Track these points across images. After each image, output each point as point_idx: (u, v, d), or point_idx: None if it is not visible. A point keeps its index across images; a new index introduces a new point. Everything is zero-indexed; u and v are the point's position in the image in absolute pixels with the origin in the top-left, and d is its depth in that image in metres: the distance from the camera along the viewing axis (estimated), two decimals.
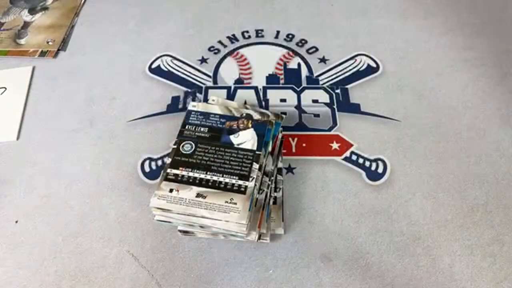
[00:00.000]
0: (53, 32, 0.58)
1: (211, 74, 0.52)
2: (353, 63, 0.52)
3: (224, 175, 0.35)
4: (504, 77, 0.50)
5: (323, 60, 0.53)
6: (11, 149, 0.46)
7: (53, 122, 0.48)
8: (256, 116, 0.39)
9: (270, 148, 0.38)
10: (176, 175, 0.35)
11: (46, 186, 0.43)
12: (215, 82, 0.51)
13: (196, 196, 0.34)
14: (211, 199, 0.34)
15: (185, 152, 0.37)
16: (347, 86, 0.50)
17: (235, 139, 0.38)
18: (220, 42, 0.55)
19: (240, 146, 0.37)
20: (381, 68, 0.51)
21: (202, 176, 0.35)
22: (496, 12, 0.58)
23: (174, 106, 0.49)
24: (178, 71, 0.52)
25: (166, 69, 0.53)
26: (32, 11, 0.61)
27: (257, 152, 0.37)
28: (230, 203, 0.34)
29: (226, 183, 0.35)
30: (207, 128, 0.39)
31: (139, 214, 0.40)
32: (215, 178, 0.35)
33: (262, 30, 0.57)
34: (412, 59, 0.52)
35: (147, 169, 0.43)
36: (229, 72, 0.52)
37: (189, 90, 0.50)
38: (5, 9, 0.62)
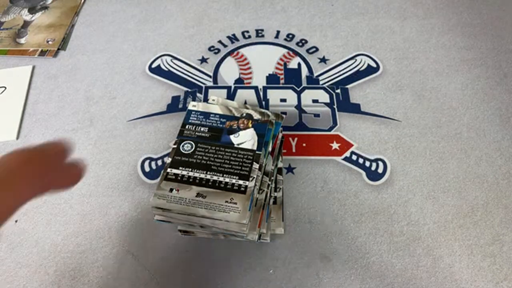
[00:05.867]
0: (53, 32, 0.58)
1: (211, 74, 0.52)
2: (353, 63, 0.52)
3: (224, 175, 0.35)
4: (504, 77, 0.50)
5: (323, 60, 0.53)
6: (11, 149, 0.45)
7: (53, 122, 0.48)
8: (256, 116, 0.39)
9: (270, 148, 0.38)
10: (176, 174, 0.35)
11: None
12: (215, 82, 0.51)
13: (196, 196, 0.34)
14: (211, 198, 0.34)
15: (185, 152, 0.37)
16: (347, 86, 0.50)
17: (235, 139, 0.37)
18: (220, 42, 0.55)
19: (240, 146, 0.37)
20: (381, 68, 0.51)
21: (202, 176, 0.35)
22: (496, 12, 0.58)
23: (174, 106, 0.49)
24: (178, 70, 0.52)
25: (166, 69, 0.53)
26: (32, 10, 0.61)
27: (257, 152, 0.36)
28: (230, 202, 0.33)
29: (226, 183, 0.35)
30: (207, 128, 0.38)
31: (139, 213, 0.40)
32: (215, 178, 0.35)
33: (262, 30, 0.57)
34: (412, 59, 0.52)
35: (147, 168, 0.43)
36: (229, 72, 0.52)
37: (189, 90, 0.50)
38: (5, 8, 0.62)
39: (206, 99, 0.49)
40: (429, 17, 0.57)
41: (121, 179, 0.43)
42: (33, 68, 0.53)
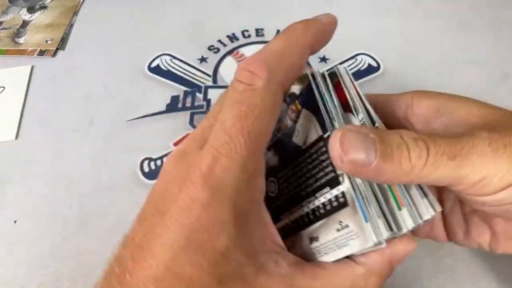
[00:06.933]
0: (52, 31, 0.57)
1: (210, 74, 0.52)
2: (353, 63, 0.52)
3: (316, 194, 0.23)
4: (504, 77, 0.50)
5: (323, 59, 0.52)
6: (10, 149, 0.45)
7: (52, 122, 0.48)
8: (296, 89, 0.25)
9: (336, 104, 0.23)
10: (282, 229, 0.24)
11: (45, 185, 0.42)
12: (214, 81, 0.51)
13: (311, 243, 0.23)
14: (324, 236, 0.22)
15: (272, 195, 0.26)
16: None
17: (297, 138, 0.25)
18: (219, 41, 0.55)
19: (308, 144, 0.24)
20: (382, 67, 0.51)
21: (301, 212, 0.24)
22: (497, 11, 0.58)
23: (173, 105, 0.49)
24: (178, 70, 0.52)
25: (165, 68, 0.52)
26: (31, 10, 0.61)
27: (325, 136, 0.22)
28: (342, 229, 0.22)
29: (324, 204, 0.23)
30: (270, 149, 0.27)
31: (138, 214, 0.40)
32: (311, 206, 0.24)
33: (262, 29, 0.56)
34: (413, 59, 0.52)
35: (146, 169, 0.43)
36: (229, 71, 0.52)
37: (189, 90, 0.50)
38: (4, 8, 0.61)
39: (206, 99, 0.49)
40: (429, 16, 0.57)
41: (120, 180, 0.42)
42: (32, 68, 0.53)
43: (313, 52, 0.21)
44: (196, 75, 0.52)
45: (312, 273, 0.20)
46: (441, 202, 0.27)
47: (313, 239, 0.23)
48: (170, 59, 0.53)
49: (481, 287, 0.35)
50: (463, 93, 0.50)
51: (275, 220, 0.25)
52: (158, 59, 0.54)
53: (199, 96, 0.49)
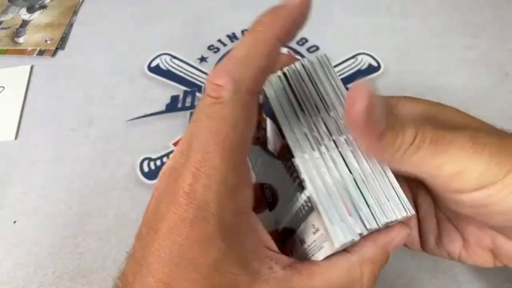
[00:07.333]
0: (52, 31, 0.57)
1: None
2: (354, 62, 0.52)
3: (293, 199, 0.23)
4: (505, 77, 0.50)
5: None
6: (9, 149, 0.45)
7: (52, 122, 0.48)
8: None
9: (294, 107, 0.22)
10: (283, 232, 0.25)
11: (44, 186, 0.42)
12: None
13: (301, 245, 0.24)
14: (307, 240, 0.23)
15: (270, 200, 0.26)
16: (348, 85, 0.49)
17: (270, 146, 0.24)
18: (219, 41, 0.55)
19: (278, 152, 0.24)
20: (382, 67, 0.51)
21: (290, 215, 0.24)
22: (499, 11, 0.57)
23: (173, 105, 0.48)
24: (178, 70, 0.52)
25: (165, 68, 0.52)
26: (31, 9, 0.61)
27: (284, 142, 0.22)
28: (316, 232, 0.21)
29: (300, 209, 0.22)
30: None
31: (138, 214, 0.40)
32: (293, 210, 0.23)
33: None
34: (414, 59, 0.52)
35: (146, 169, 0.43)
36: None
37: (189, 90, 0.50)
38: (3, 8, 0.61)
39: None
40: (430, 15, 0.57)
41: (120, 180, 0.42)
42: (32, 67, 0.53)
43: (285, 42, 0.20)
44: (196, 75, 0.51)
45: (309, 272, 0.20)
46: (416, 206, 0.27)
47: (301, 241, 0.23)
48: (170, 59, 0.53)
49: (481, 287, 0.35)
50: (463, 92, 0.50)
51: (278, 223, 0.26)
52: (158, 58, 0.53)
53: (199, 96, 0.49)
